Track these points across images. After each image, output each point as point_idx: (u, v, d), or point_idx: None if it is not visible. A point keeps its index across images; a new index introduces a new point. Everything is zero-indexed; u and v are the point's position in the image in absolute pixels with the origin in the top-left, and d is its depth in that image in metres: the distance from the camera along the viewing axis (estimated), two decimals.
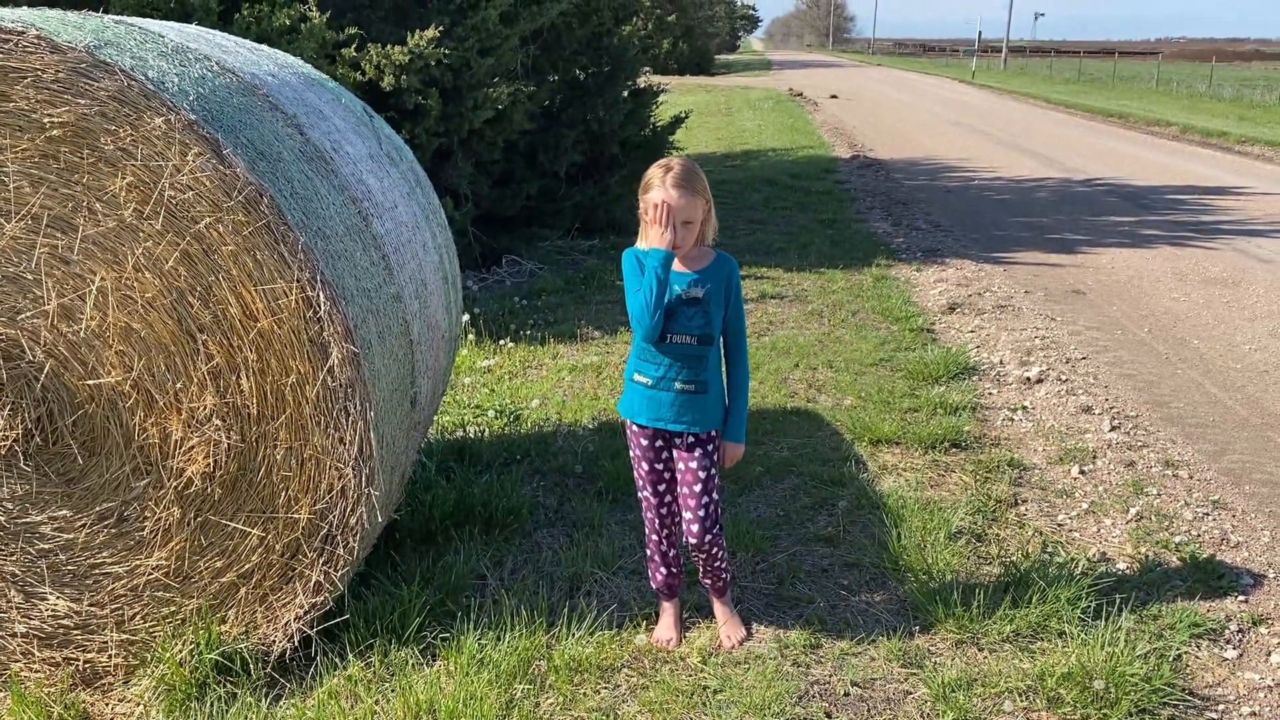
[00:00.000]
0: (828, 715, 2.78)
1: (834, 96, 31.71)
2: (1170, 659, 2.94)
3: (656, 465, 3.06)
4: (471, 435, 4.84)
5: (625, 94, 10.49)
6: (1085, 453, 4.54)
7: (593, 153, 9.57)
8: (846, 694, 2.88)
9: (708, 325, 2.92)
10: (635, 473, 3.14)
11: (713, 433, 3.02)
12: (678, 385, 2.95)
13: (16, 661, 3.19)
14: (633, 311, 2.88)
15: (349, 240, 3.15)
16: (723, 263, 2.98)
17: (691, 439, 3.00)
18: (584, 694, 2.90)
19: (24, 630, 3.17)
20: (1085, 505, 4.04)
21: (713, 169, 14.50)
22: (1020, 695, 2.83)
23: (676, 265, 2.90)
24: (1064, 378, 5.55)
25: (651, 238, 2.85)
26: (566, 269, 8.55)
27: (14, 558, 3.13)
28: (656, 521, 3.12)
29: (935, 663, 3.00)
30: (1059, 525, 3.89)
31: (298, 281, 2.88)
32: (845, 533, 3.79)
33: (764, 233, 9.74)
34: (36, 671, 3.18)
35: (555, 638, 3.13)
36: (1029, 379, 5.51)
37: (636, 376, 3.01)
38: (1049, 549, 3.67)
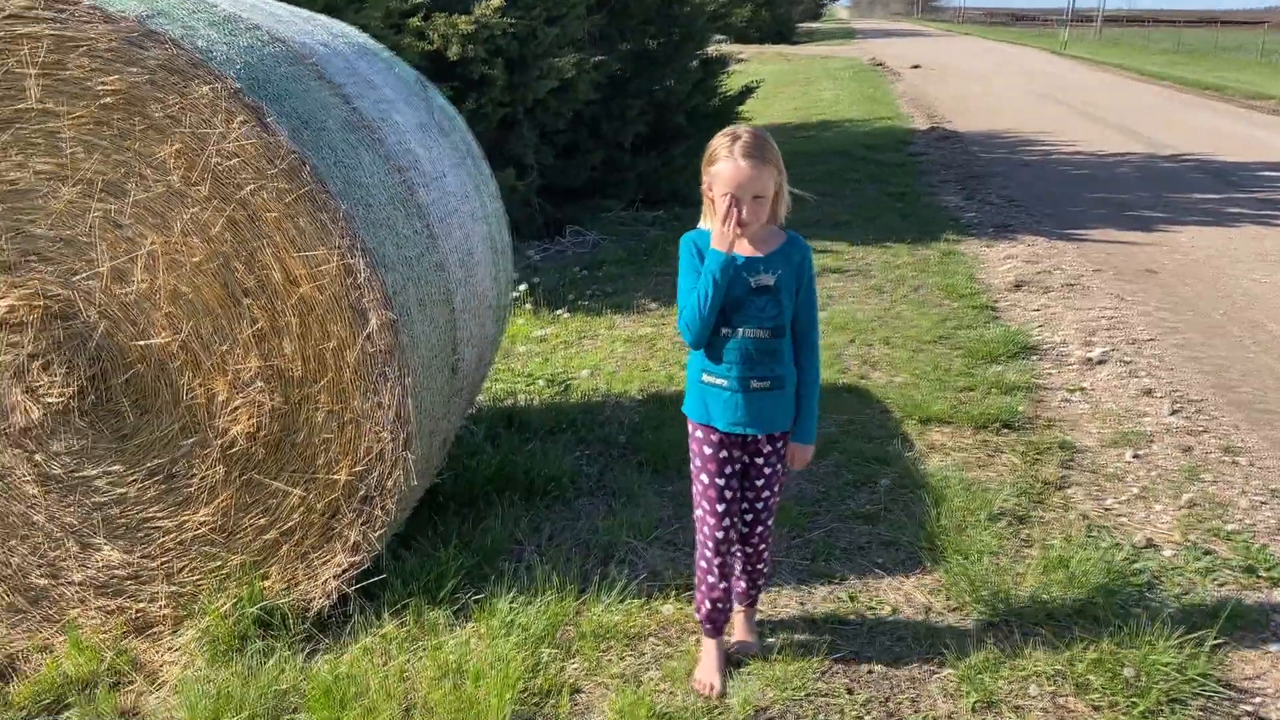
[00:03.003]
0: (849, 691, 2.78)
1: (916, 66, 31.06)
2: (1206, 649, 2.87)
3: (719, 480, 2.75)
4: (521, 403, 4.90)
5: (694, 63, 10.43)
6: (1141, 436, 4.43)
7: (658, 123, 9.54)
8: (870, 671, 2.87)
9: (780, 315, 2.64)
10: (695, 485, 2.81)
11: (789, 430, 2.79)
12: (754, 384, 2.66)
13: (74, 608, 3.33)
14: (683, 313, 2.63)
15: (391, 209, 3.20)
16: (794, 245, 2.70)
17: (766, 438, 2.75)
18: (609, 660, 2.94)
19: (80, 579, 3.31)
20: (1136, 490, 3.95)
21: (785, 139, 14.32)
22: (1048, 679, 2.80)
23: (744, 249, 2.63)
24: (1127, 359, 5.41)
25: (713, 233, 2.57)
26: (629, 240, 8.56)
27: (71, 509, 3.26)
28: (712, 544, 2.78)
29: (964, 643, 2.97)
30: (1106, 510, 3.81)
31: (338, 248, 2.93)
32: (885, 511, 3.77)
33: (831, 205, 9.63)
34: (92, 619, 3.32)
35: (585, 604, 3.17)
36: (1091, 360, 5.38)
37: (705, 377, 2.71)
38: (1093, 533, 3.60)
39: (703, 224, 2.70)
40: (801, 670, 2.84)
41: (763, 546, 2.90)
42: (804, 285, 2.69)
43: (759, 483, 2.79)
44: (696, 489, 2.81)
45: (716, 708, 2.72)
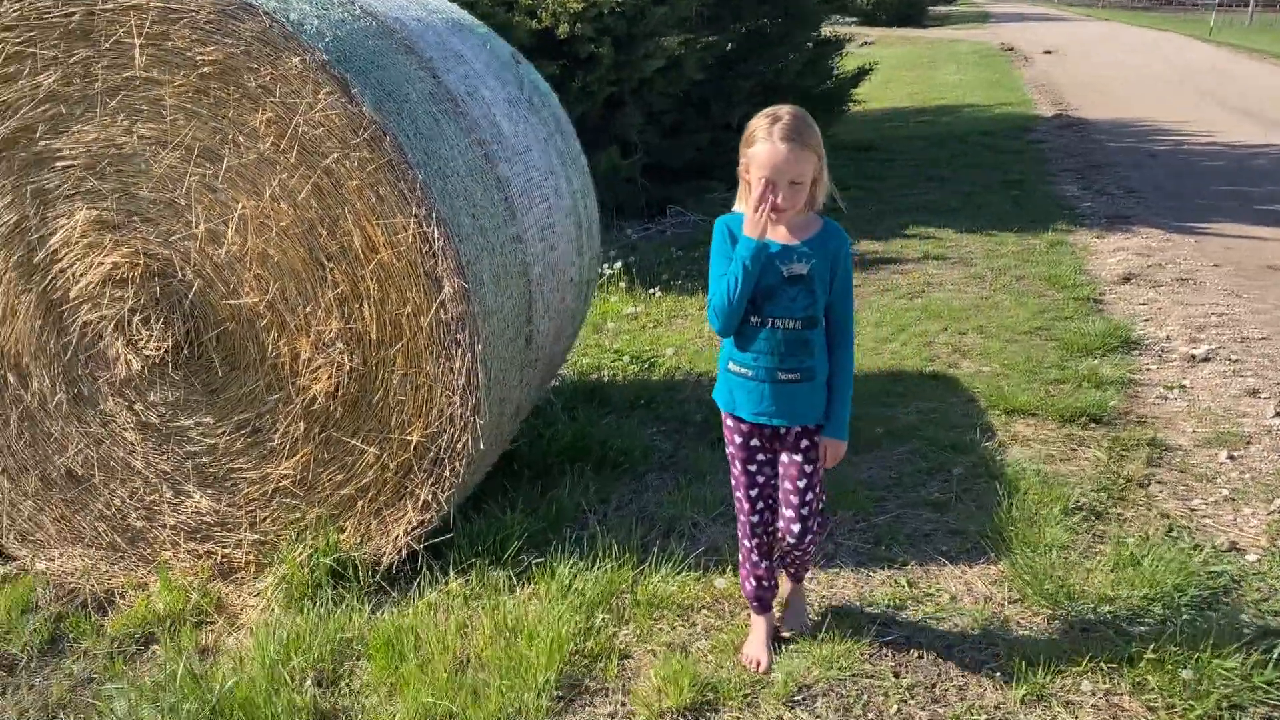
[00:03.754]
0: (895, 675, 2.77)
1: (1049, 52, 29.98)
2: (1276, 656, 2.76)
3: (749, 467, 2.76)
4: (606, 378, 4.97)
5: (808, 44, 10.31)
6: (1238, 438, 4.25)
7: (767, 104, 9.45)
8: (920, 657, 2.85)
9: (813, 306, 2.57)
10: (731, 470, 2.84)
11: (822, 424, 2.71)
12: (781, 375, 2.60)
13: (167, 550, 3.54)
14: (712, 300, 2.59)
15: (470, 180, 3.28)
16: (831, 234, 2.60)
17: (799, 430, 2.69)
18: (660, 629, 2.99)
19: (173, 523, 3.52)
20: (1225, 492, 3.80)
21: (901, 124, 14.09)
22: (1104, 676, 2.73)
23: (780, 235, 2.56)
24: (1234, 358, 5.18)
25: (745, 218, 2.50)
26: None
27: (166, 457, 3.46)
28: (748, 528, 2.82)
29: (1020, 636, 2.93)
30: (1191, 510, 3.68)
31: (415, 217, 3.04)
32: (956, 500, 3.72)
33: (940, 191, 9.43)
34: (183, 561, 3.53)
35: (643, 574, 3.22)
36: (1194, 357, 5.17)
37: (732, 366, 2.68)
38: (1173, 533, 3.48)
39: (737, 207, 2.63)
40: (849, 651, 2.84)
41: (812, 548, 2.86)
42: (839, 275, 2.60)
43: (801, 483, 2.70)
44: (732, 473, 2.83)
45: (759, 681, 2.74)
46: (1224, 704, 2.61)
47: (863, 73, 10.82)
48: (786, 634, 2.96)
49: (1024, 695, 2.68)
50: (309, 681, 2.82)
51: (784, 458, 2.72)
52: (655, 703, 2.67)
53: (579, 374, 5.02)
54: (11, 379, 3.47)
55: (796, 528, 2.73)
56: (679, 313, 6.11)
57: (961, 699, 2.69)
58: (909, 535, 3.49)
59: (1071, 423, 4.36)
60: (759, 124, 2.50)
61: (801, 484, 2.70)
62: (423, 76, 3.34)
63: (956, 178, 10.13)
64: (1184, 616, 2.95)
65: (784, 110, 2.50)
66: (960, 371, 5.03)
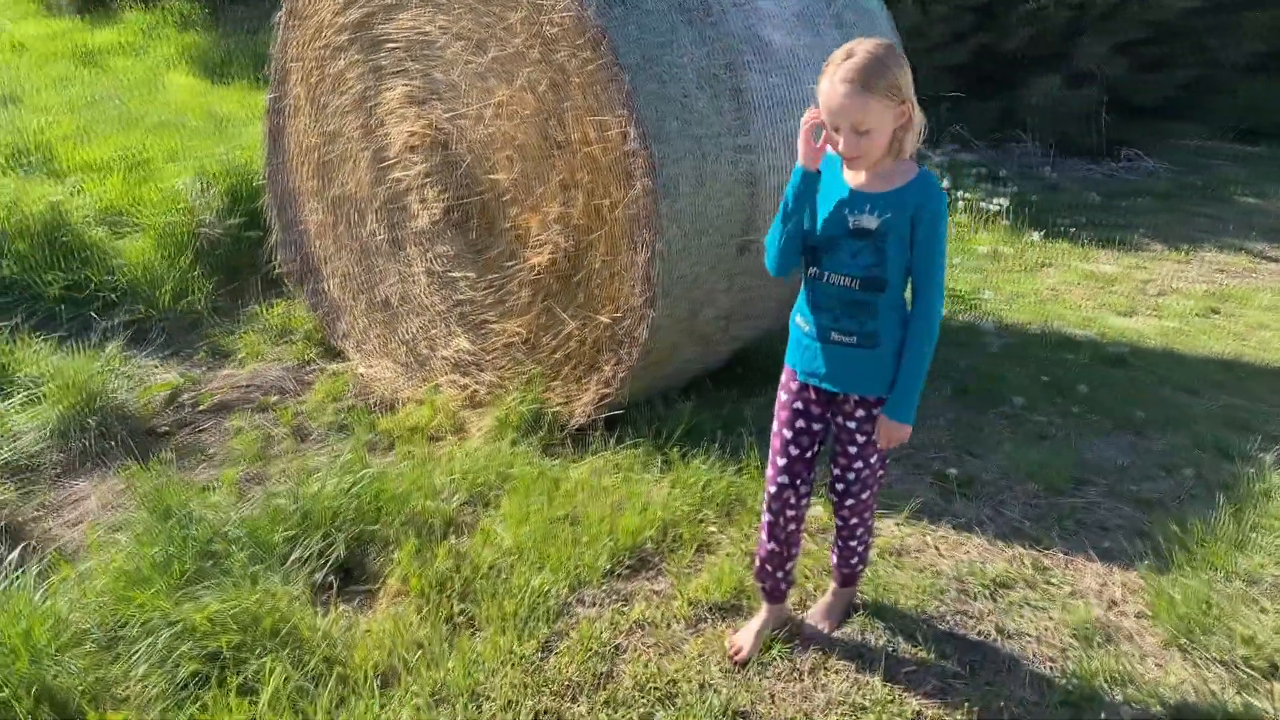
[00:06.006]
0: (937, 642, 2.66)
1: None
2: None
3: (786, 432, 2.51)
4: None
5: None
6: None
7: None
8: (980, 634, 2.68)
9: (879, 266, 2.28)
10: (773, 426, 2.57)
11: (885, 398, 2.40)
12: (834, 336, 2.37)
13: (439, 377, 4.27)
14: (769, 234, 2.43)
15: (695, 88, 3.47)
16: (919, 187, 2.26)
17: (856, 400, 2.42)
18: (754, 535, 3.11)
19: (445, 355, 4.23)
20: None
21: None
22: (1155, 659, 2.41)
23: (858, 182, 2.30)
24: None
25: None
26: (1193, 173, 7.57)
27: (443, 300, 4.15)
28: (765, 495, 2.58)
29: (1111, 649, 2.63)
30: None
31: (620, 117, 3.33)
32: (1171, 502, 3.29)
33: None
34: (449, 389, 4.24)
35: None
36: None
37: (797, 319, 2.49)
38: None
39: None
40: (924, 587, 2.78)
41: (855, 521, 2.59)
42: (921, 235, 2.25)
43: (851, 449, 2.47)
44: (772, 435, 2.58)
45: (793, 605, 2.79)
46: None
47: None
48: (807, 620, 2.72)
49: (1058, 702, 2.46)
50: (459, 495, 3.36)
51: (838, 420, 2.48)
52: (695, 595, 2.84)
53: None
54: (355, 217, 4.36)
55: (840, 486, 2.54)
56: (1047, 261, 5.70)
57: (990, 686, 2.53)
58: (1082, 523, 3.19)
59: None
60: (834, 56, 2.21)
61: (852, 450, 2.48)
62: None
63: None
64: None
65: (863, 47, 2.17)
66: None
